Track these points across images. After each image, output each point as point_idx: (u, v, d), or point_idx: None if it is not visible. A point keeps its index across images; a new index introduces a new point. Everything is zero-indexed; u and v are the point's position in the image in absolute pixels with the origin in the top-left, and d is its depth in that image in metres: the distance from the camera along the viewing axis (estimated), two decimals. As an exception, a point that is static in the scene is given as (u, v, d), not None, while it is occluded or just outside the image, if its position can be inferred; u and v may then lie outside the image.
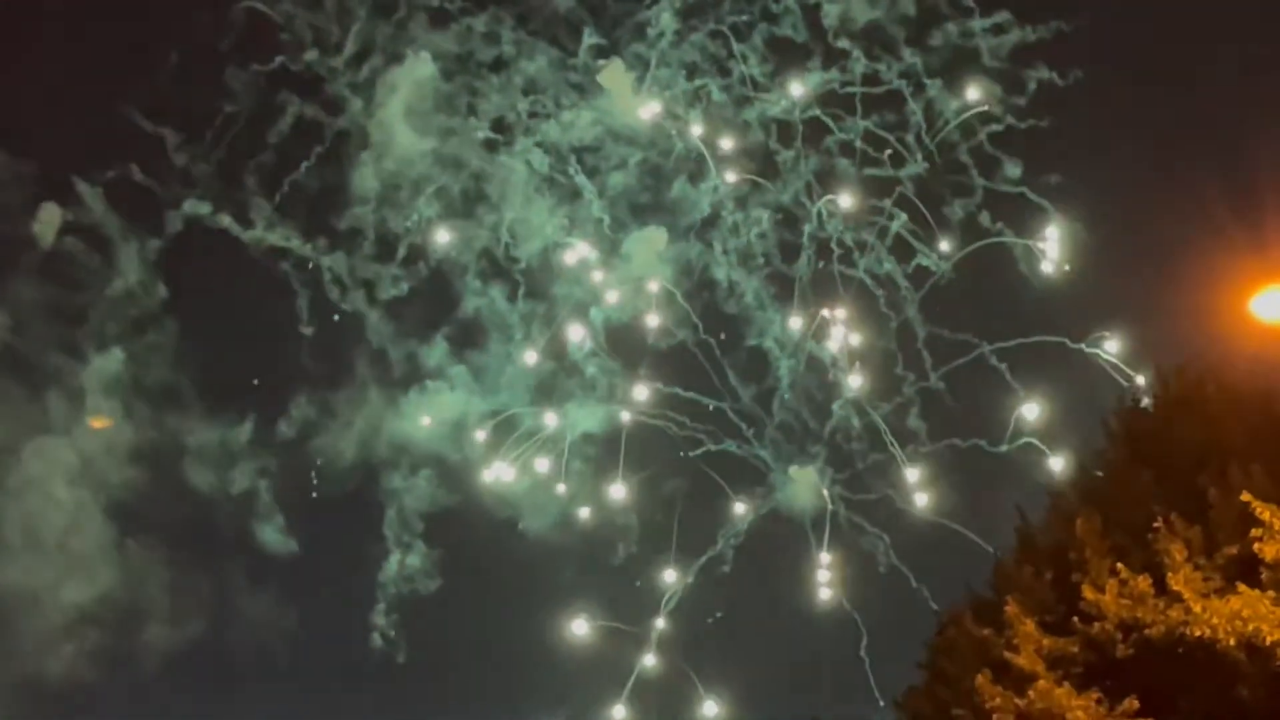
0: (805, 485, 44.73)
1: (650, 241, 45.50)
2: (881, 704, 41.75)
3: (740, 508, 44.77)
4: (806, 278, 45.11)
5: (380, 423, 44.75)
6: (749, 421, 45.15)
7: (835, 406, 45.04)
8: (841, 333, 45.01)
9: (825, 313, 44.96)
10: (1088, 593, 26.18)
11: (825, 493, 44.35)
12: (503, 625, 45.38)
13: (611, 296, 45.54)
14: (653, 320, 45.37)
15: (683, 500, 45.04)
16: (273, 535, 44.39)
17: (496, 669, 45.86)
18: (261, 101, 44.69)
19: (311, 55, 45.11)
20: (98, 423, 43.94)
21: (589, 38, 45.64)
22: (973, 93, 44.30)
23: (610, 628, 43.95)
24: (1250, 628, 22.44)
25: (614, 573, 45.21)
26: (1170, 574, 24.64)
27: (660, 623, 44.10)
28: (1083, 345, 42.29)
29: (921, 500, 43.70)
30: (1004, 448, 43.33)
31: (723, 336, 45.48)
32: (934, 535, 43.41)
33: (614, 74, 45.27)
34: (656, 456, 45.17)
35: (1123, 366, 41.65)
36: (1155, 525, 26.15)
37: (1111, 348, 41.99)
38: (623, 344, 45.78)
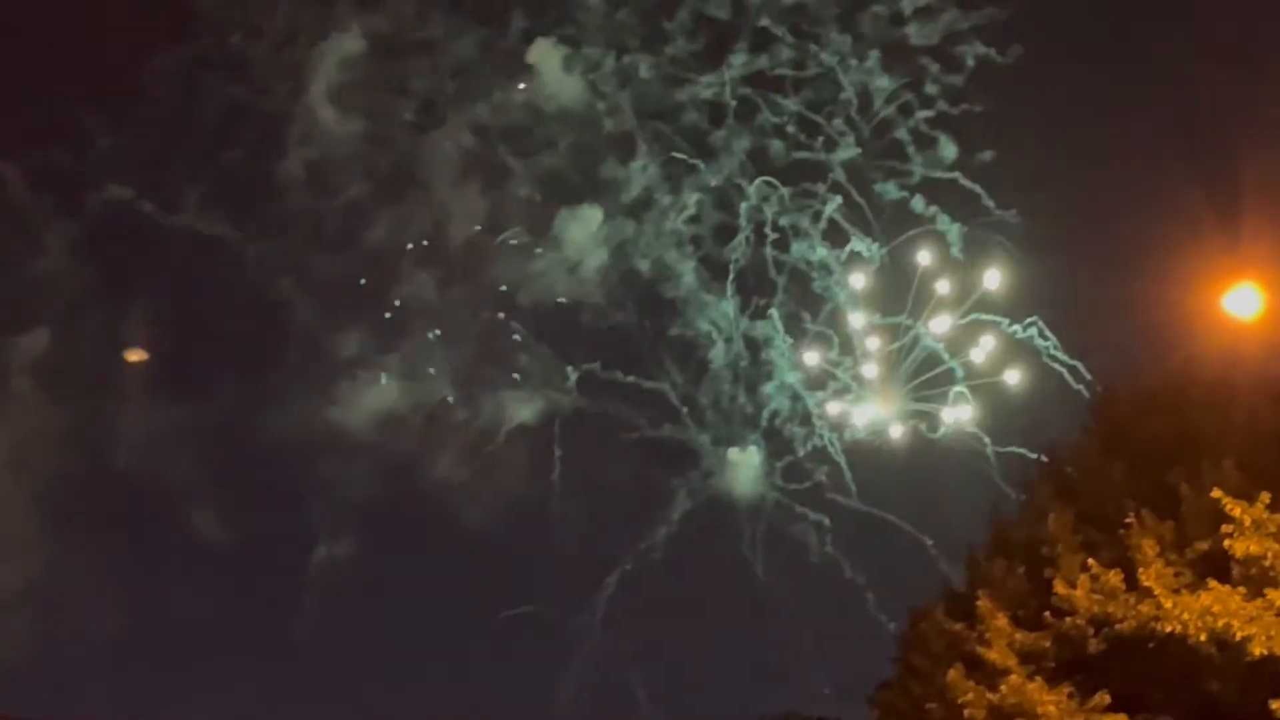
0: (744, 470, 44.64)
1: (584, 222, 45.08)
2: (826, 691, 42.12)
3: (679, 493, 44.66)
4: (743, 261, 44.91)
5: (312, 410, 44.18)
6: (688, 405, 45.06)
7: (770, 390, 45.05)
8: (777, 317, 44.82)
9: (760, 300, 44.81)
10: (1059, 588, 26.19)
11: (763, 478, 44.30)
12: (438, 614, 45.52)
13: (544, 279, 45.11)
14: (588, 303, 45.09)
15: (621, 486, 45.02)
16: (202, 521, 43.95)
17: (432, 657, 45.77)
18: (187, 85, 44.09)
19: (236, 38, 44.45)
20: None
21: (518, 19, 45.13)
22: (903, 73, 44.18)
23: (547, 615, 44.09)
24: (1221, 623, 22.43)
25: (552, 561, 45.06)
26: (1142, 569, 24.67)
27: (598, 613, 44.10)
28: (1018, 328, 42.35)
29: (853, 487, 43.78)
30: (941, 432, 43.44)
31: (659, 319, 45.30)
32: (872, 524, 43.66)
33: (543, 53, 44.78)
34: (593, 442, 45.03)
35: (1059, 354, 41.81)
36: (1127, 520, 26.21)
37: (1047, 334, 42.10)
38: (557, 328, 45.46)
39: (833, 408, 44.29)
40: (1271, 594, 22.22)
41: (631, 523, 44.39)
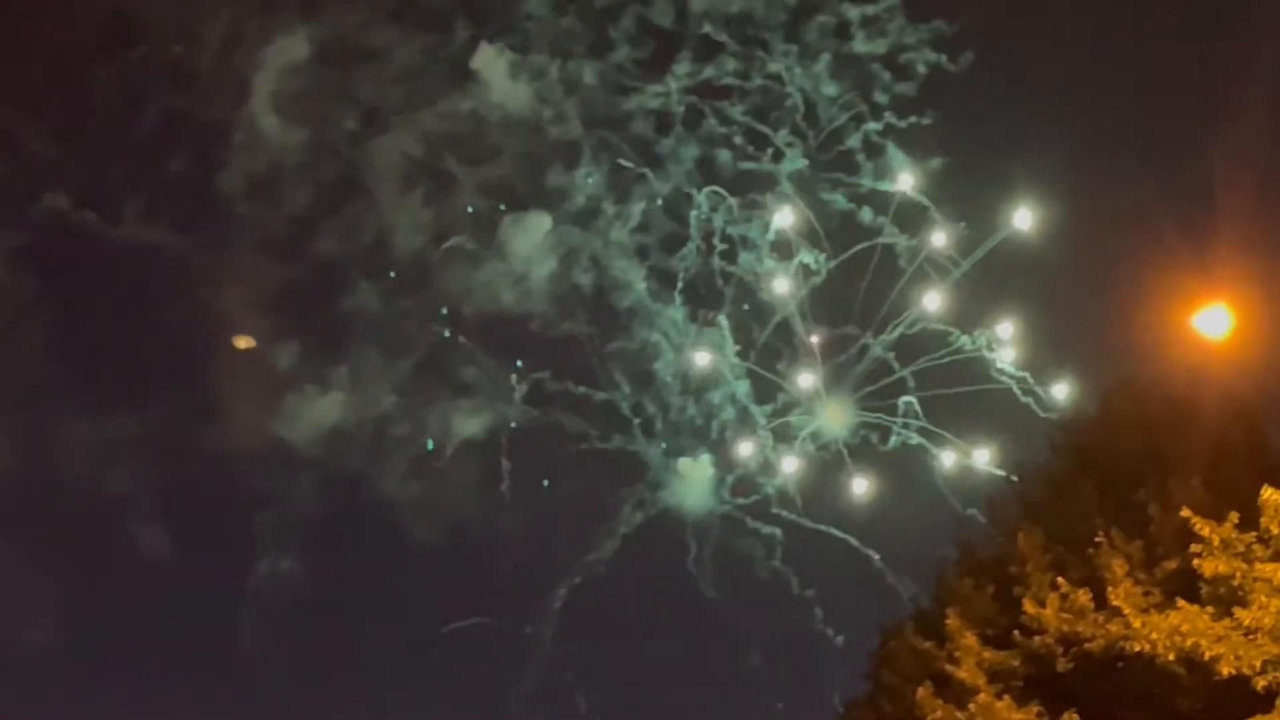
0: (694, 482, 44.32)
1: (531, 230, 44.72)
2: (779, 706, 41.98)
3: (628, 505, 44.33)
4: (691, 271, 44.56)
5: (255, 423, 43.51)
6: (637, 416, 44.69)
7: (718, 401, 44.72)
8: (726, 328, 44.45)
9: (708, 313, 44.51)
10: (1029, 606, 26.22)
11: (713, 490, 44.09)
12: (383, 629, 44.87)
13: (491, 289, 44.67)
14: (536, 312, 44.65)
15: (569, 498, 44.69)
16: (143, 533, 43.47)
17: (377, 672, 45.26)
18: (128, 94, 43.57)
19: (178, 48, 43.85)
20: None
21: (463, 27, 44.60)
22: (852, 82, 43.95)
23: (495, 629, 43.74)
24: (1189, 642, 22.43)
25: (500, 574, 44.77)
26: (1111, 588, 24.70)
27: (546, 627, 43.78)
28: (968, 337, 42.41)
29: (800, 501, 43.55)
30: (892, 443, 43.48)
31: (607, 329, 44.83)
32: (820, 538, 43.43)
33: (487, 59, 44.36)
34: (542, 454, 44.54)
35: (1009, 368, 41.88)
36: (1096, 540, 26.29)
37: (1008, 354, 42.07)
38: (504, 338, 44.95)
39: (781, 421, 44.19)
40: (1240, 613, 22.19)
41: (580, 535, 44.08)
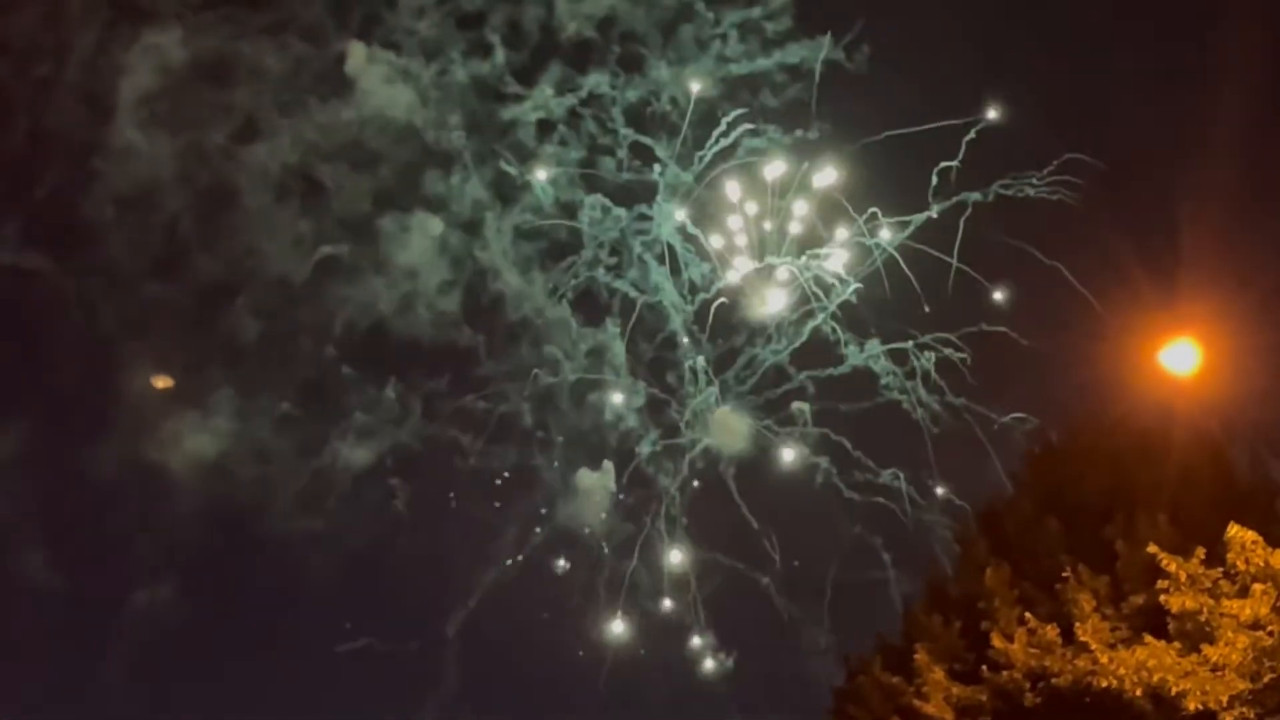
0: (592, 496, 44.11)
1: (416, 241, 44.18)
2: None
3: (527, 521, 44.17)
4: (580, 282, 44.53)
5: (134, 449, 42.51)
6: (540, 428, 44.56)
7: (611, 416, 44.74)
8: (616, 342, 44.53)
9: (597, 324, 44.57)
10: (996, 641, 26.16)
11: (610, 507, 43.91)
12: (271, 657, 43.90)
13: (378, 302, 44.14)
14: (424, 324, 44.20)
15: (465, 515, 44.32)
16: (16, 560, 42.39)
17: (261, 702, 44.15)
18: None
19: (43, 67, 42.93)
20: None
21: (339, 34, 44.11)
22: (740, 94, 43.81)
23: (390, 652, 43.12)
24: (1156, 678, 22.44)
25: (394, 601, 44.02)
26: (1078, 624, 24.68)
27: (445, 647, 43.37)
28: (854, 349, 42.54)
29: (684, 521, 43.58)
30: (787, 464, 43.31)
31: (499, 340, 44.76)
32: (707, 560, 43.53)
33: (362, 66, 43.84)
34: (436, 472, 44.17)
35: (895, 369, 42.07)
36: (1064, 575, 26.25)
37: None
38: (393, 353, 44.55)
39: (672, 435, 44.03)
40: (1207, 649, 22.22)
41: (478, 554, 43.67)
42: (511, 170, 44.41)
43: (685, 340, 44.05)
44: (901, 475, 42.78)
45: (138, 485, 42.53)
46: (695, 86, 43.78)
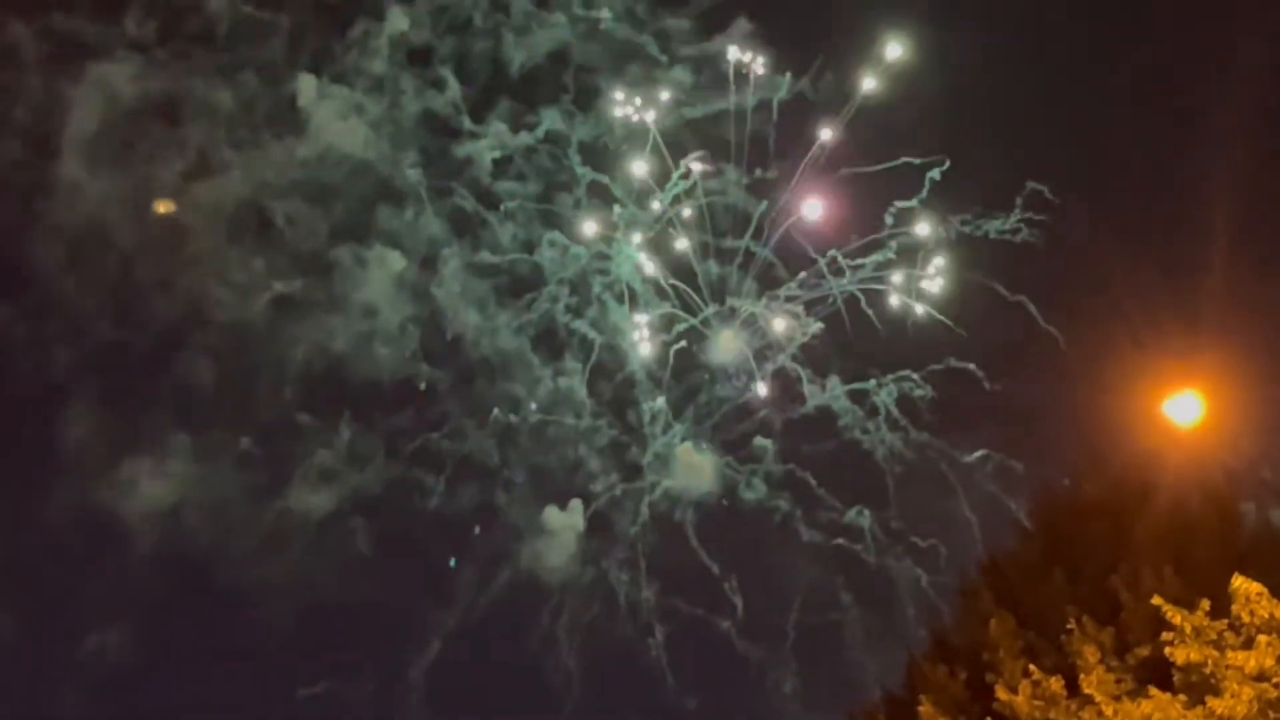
0: (558, 537, 43.74)
1: (374, 278, 43.75)
2: None
3: (486, 565, 43.71)
4: (539, 321, 44.23)
5: (89, 496, 41.93)
6: (504, 467, 44.23)
7: (576, 455, 44.46)
8: (580, 380, 44.29)
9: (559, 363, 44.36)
10: (1001, 693, 26.00)
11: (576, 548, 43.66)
12: (228, 701, 42.91)
13: (337, 340, 43.56)
14: (385, 364, 43.82)
15: (433, 555, 43.91)
16: None
17: None
18: None
19: None
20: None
21: (292, 71, 43.93)
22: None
23: (352, 700, 42.60)
24: (1161, 731, 22.36)
25: (354, 644, 43.50)
26: (1083, 675, 24.57)
27: (413, 694, 42.83)
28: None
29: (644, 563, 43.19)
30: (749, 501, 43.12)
31: (462, 378, 44.43)
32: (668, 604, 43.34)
33: (311, 98, 43.52)
34: (397, 510, 43.78)
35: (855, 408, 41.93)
36: (1068, 626, 26.16)
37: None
38: (352, 391, 44.01)
39: (633, 477, 43.91)
40: (1212, 702, 22.10)
41: (440, 596, 43.22)
42: (468, 207, 44.23)
43: (644, 381, 43.79)
44: (867, 512, 42.59)
45: (91, 530, 42.03)
46: (652, 123, 43.67)
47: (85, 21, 42.80)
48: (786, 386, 43.57)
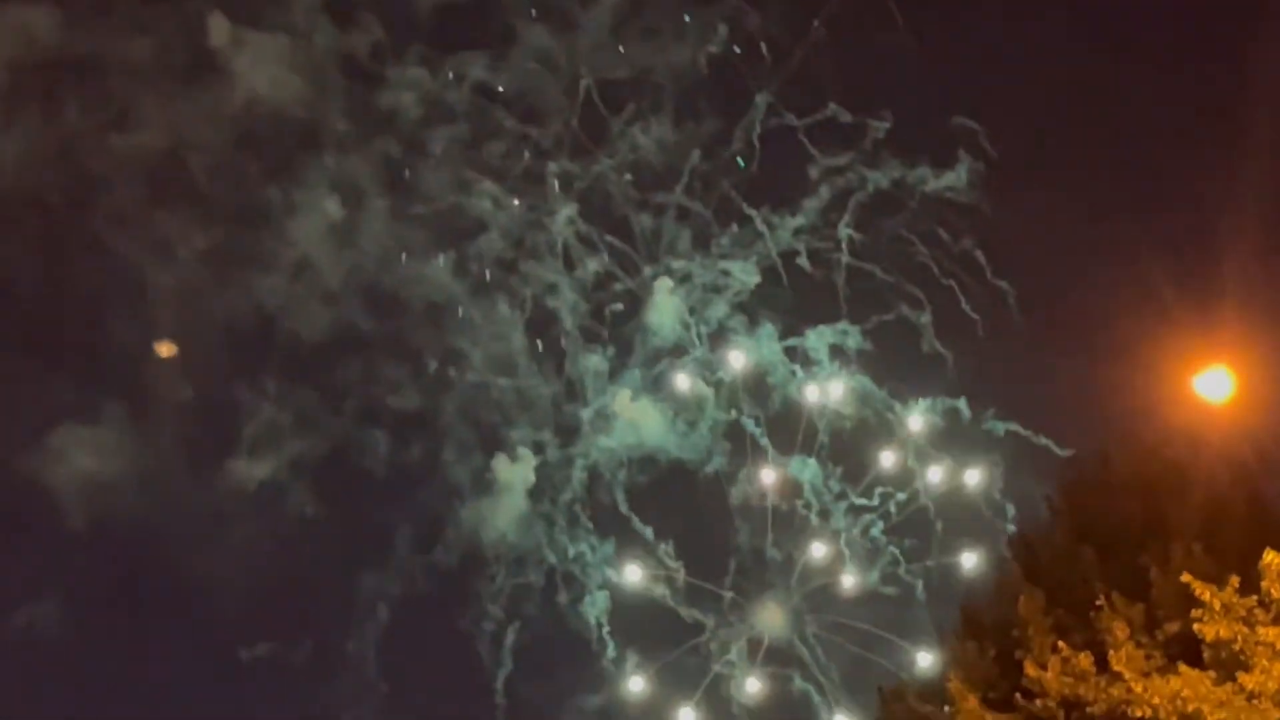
0: (509, 488, 42.78)
1: (307, 221, 42.13)
2: None
3: (432, 523, 42.66)
4: (475, 274, 43.26)
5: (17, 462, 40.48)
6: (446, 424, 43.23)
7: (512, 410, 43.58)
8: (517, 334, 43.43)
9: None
10: (1030, 670, 26.06)
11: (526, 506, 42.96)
12: (169, 666, 41.79)
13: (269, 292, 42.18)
14: (316, 313, 42.35)
15: (370, 517, 42.97)
16: None
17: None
18: None
19: None
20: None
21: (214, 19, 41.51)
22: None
23: (294, 662, 41.78)
24: (1191, 707, 22.36)
25: (297, 607, 42.31)
26: (1112, 652, 24.60)
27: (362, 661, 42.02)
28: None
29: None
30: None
31: (399, 330, 43.17)
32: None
33: (226, 40, 41.22)
34: (338, 470, 42.77)
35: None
36: (1097, 603, 26.18)
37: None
38: (287, 347, 42.46)
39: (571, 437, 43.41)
40: (1242, 678, 22.17)
41: (384, 557, 42.18)
42: (397, 154, 42.81)
43: (581, 339, 43.20)
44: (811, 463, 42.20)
45: (20, 500, 40.56)
46: (584, 74, 42.65)
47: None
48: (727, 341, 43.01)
